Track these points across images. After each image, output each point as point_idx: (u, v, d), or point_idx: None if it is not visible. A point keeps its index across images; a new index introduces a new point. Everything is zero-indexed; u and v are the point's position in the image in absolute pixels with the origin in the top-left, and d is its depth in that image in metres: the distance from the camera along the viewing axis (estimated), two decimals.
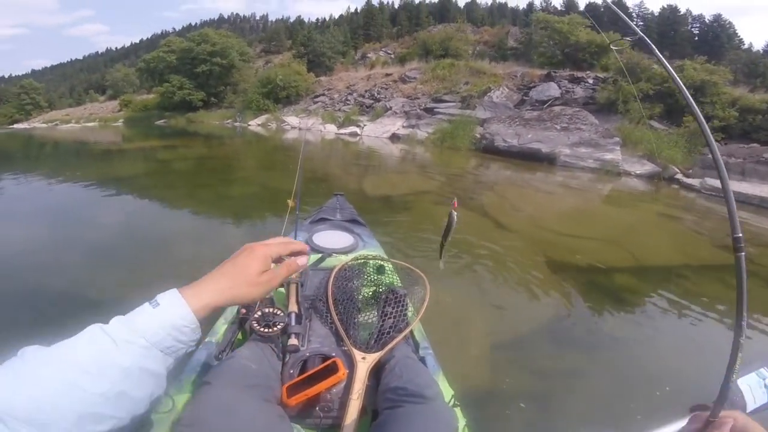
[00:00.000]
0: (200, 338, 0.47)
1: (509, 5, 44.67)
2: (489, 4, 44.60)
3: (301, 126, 17.44)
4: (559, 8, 31.07)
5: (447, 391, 0.99)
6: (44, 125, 35.02)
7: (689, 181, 7.62)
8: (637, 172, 8.45)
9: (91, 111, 36.49)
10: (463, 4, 41.60)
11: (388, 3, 43.87)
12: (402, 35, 33.83)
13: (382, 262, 1.44)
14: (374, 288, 1.35)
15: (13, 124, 40.67)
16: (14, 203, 5.18)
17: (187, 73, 25.15)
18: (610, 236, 4.34)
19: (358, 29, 36.93)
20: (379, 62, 26.48)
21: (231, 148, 12.96)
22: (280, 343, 1.11)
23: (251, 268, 0.48)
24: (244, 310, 1.24)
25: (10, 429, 0.32)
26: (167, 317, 0.43)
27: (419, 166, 9.35)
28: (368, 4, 40.57)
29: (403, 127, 14.12)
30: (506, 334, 2.31)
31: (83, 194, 5.52)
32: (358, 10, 42.17)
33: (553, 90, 13.20)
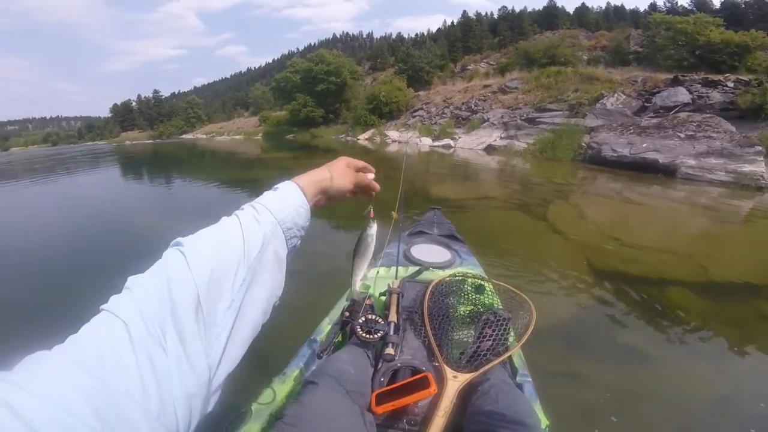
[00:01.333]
0: (306, 228, 0.53)
1: (627, 7, 39.96)
2: (603, 7, 40.58)
3: (400, 140, 18.70)
4: (687, 7, 27.08)
5: (543, 421, 0.97)
6: (204, 136, 43.86)
7: None
8: None
9: (239, 125, 43.98)
10: (573, 9, 38.73)
11: (486, 14, 43.31)
12: (504, 45, 33.14)
13: (481, 282, 1.41)
14: (472, 307, 1.32)
15: (181, 135, 51.64)
16: (185, 202, 7.02)
17: (309, 92, 28.86)
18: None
19: (456, 42, 37.24)
20: (479, 74, 26.52)
21: None
22: (375, 350, 1.15)
23: (340, 164, 0.60)
24: (347, 314, 1.29)
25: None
26: (287, 198, 0.50)
27: (512, 178, 9.23)
28: (464, 16, 40.71)
29: (501, 138, 14.15)
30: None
31: (231, 195, 7.19)
32: (455, 23, 42.50)
33: (681, 95, 11.82)
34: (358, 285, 0.73)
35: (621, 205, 6.39)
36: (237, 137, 36.60)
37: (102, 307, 0.33)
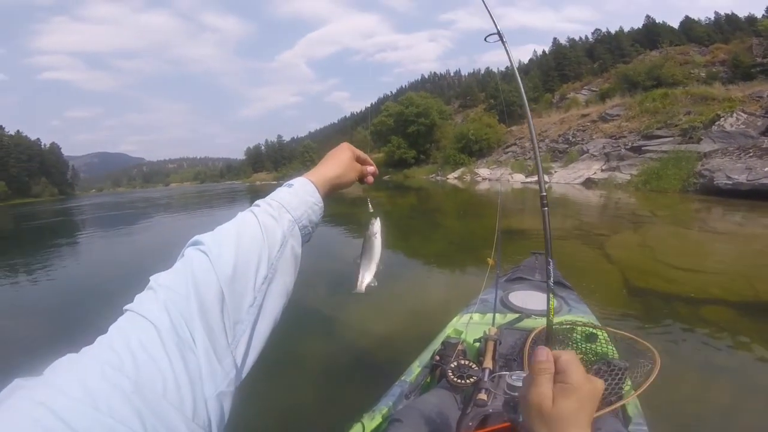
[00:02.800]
0: (319, 224, 0.54)
1: (739, 14, 33.77)
2: (712, 18, 34.90)
3: (491, 177, 18.90)
4: None
5: None
6: None
7: None
8: None
9: None
10: (678, 24, 34.75)
11: (580, 38, 41.40)
12: (606, 69, 31.33)
13: (593, 330, 1.31)
14: (581, 356, 1.23)
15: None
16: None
17: (402, 133, 31.09)
18: None
19: (551, 71, 36.40)
20: (577, 103, 25.53)
21: (434, 199, 15.62)
22: (464, 394, 1.15)
23: (346, 154, 0.60)
24: (438, 357, 1.30)
25: (221, 281, 0.36)
26: (303, 196, 0.50)
27: (617, 214, 8.59)
28: (555, 43, 39.61)
29: (601, 170, 13.56)
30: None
31: (335, 228, 8.23)
32: (546, 52, 41.48)
33: None
34: (363, 286, 0.66)
35: (744, 242, 5.72)
36: None
37: (126, 307, 0.33)
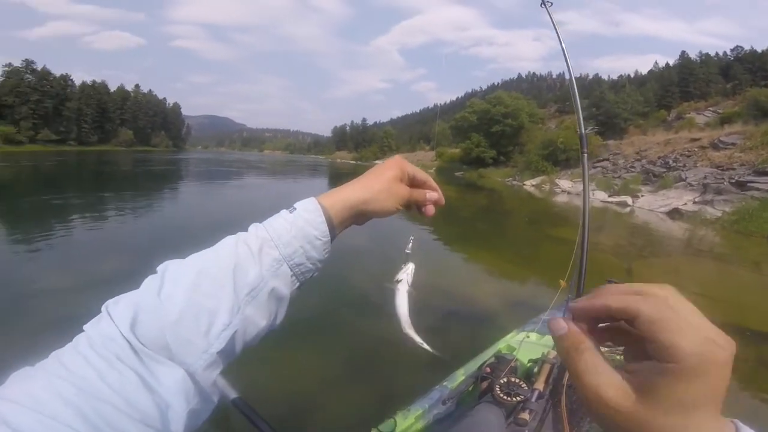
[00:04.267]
0: (325, 260, 0.43)
1: None
2: None
3: (571, 191, 18.39)
4: None
5: None
6: None
7: None
8: None
9: (419, 157, 50.44)
10: None
11: (717, 54, 36.07)
12: (740, 91, 27.40)
13: None
14: None
15: (375, 160, 64.09)
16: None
17: (484, 132, 30.87)
18: None
19: (672, 86, 32.71)
20: (692, 124, 23.07)
21: (507, 204, 15.66)
22: (507, 411, 1.15)
23: (386, 174, 0.45)
24: (488, 369, 1.32)
25: (144, 363, 0.31)
26: (302, 228, 0.40)
27: (703, 253, 8.08)
28: (683, 56, 35.12)
29: (693, 202, 12.74)
30: None
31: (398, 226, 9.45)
32: (670, 65, 37.06)
33: None
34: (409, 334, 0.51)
35: None
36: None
37: (84, 327, 0.33)
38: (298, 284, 0.42)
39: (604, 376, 0.25)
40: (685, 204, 12.71)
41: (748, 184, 12.09)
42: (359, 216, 0.45)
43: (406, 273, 0.52)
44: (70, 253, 5.08)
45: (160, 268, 0.36)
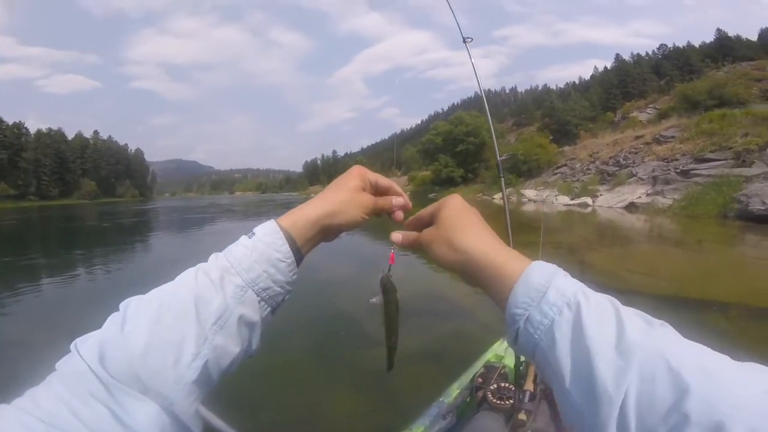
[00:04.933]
0: (295, 281, 0.42)
1: None
2: None
3: (536, 198, 19.24)
4: None
5: None
6: None
7: None
8: None
9: None
10: (756, 36, 32.01)
11: (647, 54, 39.55)
12: (673, 87, 29.99)
13: None
14: None
15: None
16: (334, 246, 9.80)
17: (450, 152, 32.13)
18: None
19: (613, 89, 35.36)
20: (635, 123, 24.90)
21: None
22: (506, 415, 1.21)
23: (347, 185, 0.45)
24: (480, 380, 1.38)
25: (115, 398, 0.31)
26: (262, 251, 0.39)
27: (659, 241, 8.66)
28: (617, 59, 38.25)
29: (646, 194, 13.67)
30: None
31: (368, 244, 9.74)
32: (608, 67, 40.17)
33: None
34: (391, 360, 0.50)
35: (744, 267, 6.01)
36: None
37: (56, 365, 0.33)
38: (269, 309, 0.41)
39: (424, 236, 0.44)
40: (639, 197, 13.59)
41: (691, 172, 13.13)
42: (326, 231, 0.44)
43: (387, 286, 0.48)
44: (40, 309, 5.05)
45: (122, 305, 0.37)
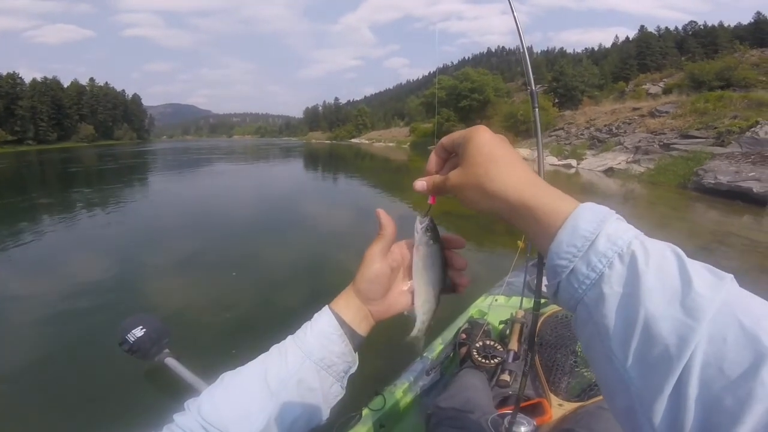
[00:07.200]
0: (353, 354, 0.47)
1: None
2: None
3: (527, 158, 19.86)
4: None
5: None
6: (366, 141, 53.74)
7: None
8: None
9: (394, 134, 51.20)
10: None
11: (676, 28, 38.00)
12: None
13: None
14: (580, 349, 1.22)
15: (351, 138, 63.89)
16: (345, 195, 10.37)
17: (453, 107, 32.13)
18: None
19: (630, 59, 34.51)
20: (641, 95, 24.88)
21: None
22: (486, 373, 1.21)
23: (369, 256, 0.47)
24: (464, 335, 1.38)
25: None
26: (318, 327, 0.46)
27: (624, 200, 9.80)
28: (642, 30, 36.92)
29: (626, 162, 14.43)
30: None
31: (379, 197, 10.38)
32: (630, 38, 38.86)
33: None
34: (424, 326, 0.47)
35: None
36: (390, 144, 43.12)
37: (173, 416, 0.41)
38: (332, 380, 0.46)
39: (452, 180, 0.39)
40: (619, 163, 14.36)
41: (671, 146, 13.81)
42: (371, 313, 0.48)
43: (426, 233, 0.45)
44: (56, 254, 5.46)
45: (187, 405, 0.44)
